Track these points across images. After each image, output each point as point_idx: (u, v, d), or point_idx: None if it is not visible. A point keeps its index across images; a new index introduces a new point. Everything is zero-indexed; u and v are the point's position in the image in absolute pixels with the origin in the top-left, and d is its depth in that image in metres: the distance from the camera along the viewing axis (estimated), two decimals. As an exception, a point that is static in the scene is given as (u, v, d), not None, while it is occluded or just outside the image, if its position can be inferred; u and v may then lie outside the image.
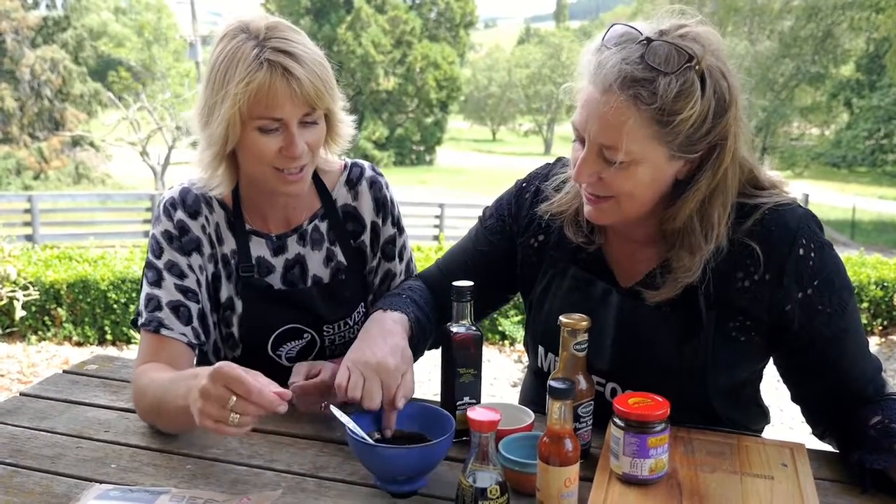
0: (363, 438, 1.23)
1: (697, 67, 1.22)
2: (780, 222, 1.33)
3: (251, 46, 1.39)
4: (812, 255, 1.32)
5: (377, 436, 1.30)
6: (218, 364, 1.17)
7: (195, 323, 1.54)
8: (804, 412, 1.47)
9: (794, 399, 1.47)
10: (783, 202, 1.36)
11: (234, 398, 1.15)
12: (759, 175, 1.38)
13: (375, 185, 1.68)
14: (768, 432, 1.60)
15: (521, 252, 1.59)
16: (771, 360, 1.47)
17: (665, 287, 1.36)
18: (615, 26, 1.28)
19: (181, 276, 1.54)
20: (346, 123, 1.55)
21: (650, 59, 1.21)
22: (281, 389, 1.19)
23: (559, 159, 1.61)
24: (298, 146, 1.42)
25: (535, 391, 1.60)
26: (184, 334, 1.52)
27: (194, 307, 1.55)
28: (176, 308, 1.52)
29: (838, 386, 1.38)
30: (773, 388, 1.58)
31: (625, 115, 1.23)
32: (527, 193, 1.59)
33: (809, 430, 1.49)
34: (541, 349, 1.56)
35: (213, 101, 1.41)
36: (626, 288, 1.44)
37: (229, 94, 1.37)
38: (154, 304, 1.52)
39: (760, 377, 1.51)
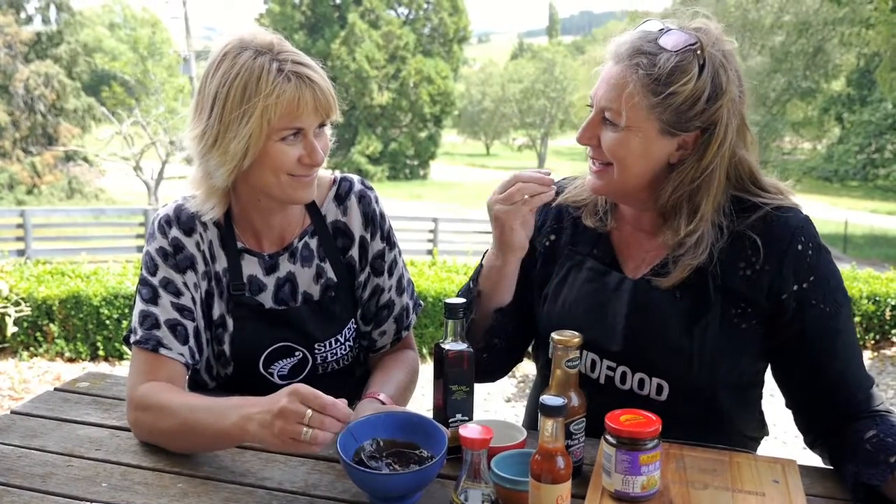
0: (354, 464, 1.23)
1: (699, 52, 1.35)
2: (780, 221, 1.41)
3: (268, 61, 1.40)
4: (809, 252, 1.40)
5: (371, 446, 1.30)
6: (293, 386, 1.25)
7: (191, 342, 1.54)
8: (796, 418, 1.49)
9: (788, 404, 1.49)
10: (786, 205, 1.44)
11: (310, 413, 1.21)
12: (758, 175, 1.47)
13: (364, 200, 1.68)
14: (762, 446, 1.61)
15: (537, 250, 1.66)
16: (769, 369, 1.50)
17: (675, 272, 1.43)
18: (648, 21, 1.43)
19: (177, 293, 1.54)
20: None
21: (662, 40, 1.37)
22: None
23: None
24: (320, 152, 1.47)
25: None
26: (181, 354, 1.52)
27: (190, 326, 1.54)
28: (174, 327, 1.52)
29: (829, 389, 1.40)
30: (767, 401, 1.59)
31: (626, 79, 1.37)
32: None
33: (802, 443, 1.49)
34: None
35: (227, 119, 1.41)
36: (636, 278, 1.50)
37: (253, 108, 1.39)
38: (151, 321, 1.51)
39: (762, 383, 1.54)
